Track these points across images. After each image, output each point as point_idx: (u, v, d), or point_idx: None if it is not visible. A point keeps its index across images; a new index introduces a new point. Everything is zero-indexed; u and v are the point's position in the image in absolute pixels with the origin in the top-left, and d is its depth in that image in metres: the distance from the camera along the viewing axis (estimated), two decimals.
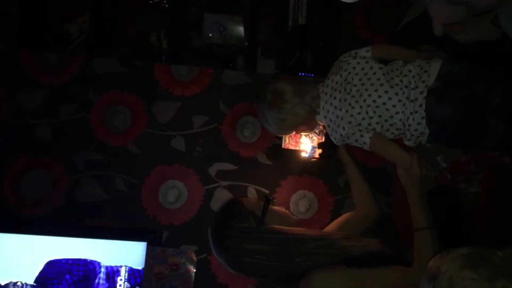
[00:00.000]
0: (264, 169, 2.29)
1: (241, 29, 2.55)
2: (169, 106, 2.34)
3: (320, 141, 1.99)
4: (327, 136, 1.79)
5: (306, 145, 2.06)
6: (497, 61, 1.76)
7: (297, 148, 2.13)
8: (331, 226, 1.76)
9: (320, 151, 2.00)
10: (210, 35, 2.58)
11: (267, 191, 2.26)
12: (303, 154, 2.07)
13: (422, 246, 1.41)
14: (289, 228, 1.50)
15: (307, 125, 1.79)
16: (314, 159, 2.04)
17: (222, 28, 2.55)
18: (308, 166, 2.23)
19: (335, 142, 1.72)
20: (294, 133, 1.95)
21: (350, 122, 1.61)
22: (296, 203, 2.27)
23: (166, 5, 2.55)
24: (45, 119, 2.29)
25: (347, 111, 1.62)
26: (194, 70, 2.38)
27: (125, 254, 2.13)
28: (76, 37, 2.44)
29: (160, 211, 2.27)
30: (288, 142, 2.14)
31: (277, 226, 1.47)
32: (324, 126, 1.90)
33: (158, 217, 2.26)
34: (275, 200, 1.62)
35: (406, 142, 1.63)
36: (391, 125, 1.59)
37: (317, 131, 2.03)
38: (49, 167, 2.27)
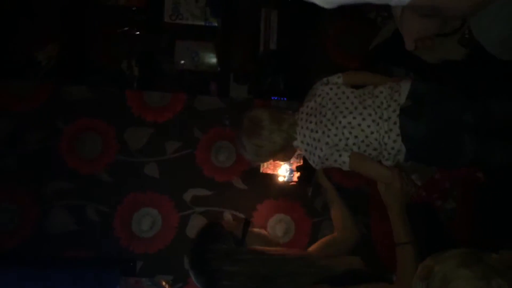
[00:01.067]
0: (240, 194, 2.26)
1: (213, 56, 2.56)
2: (141, 132, 2.31)
3: (298, 164, 1.98)
4: (305, 159, 1.79)
5: (284, 169, 2.05)
6: (465, 81, 1.81)
7: (275, 173, 2.12)
8: (311, 249, 1.74)
9: (298, 174, 2.00)
10: (182, 62, 2.57)
11: (243, 216, 2.22)
12: (281, 179, 2.06)
13: (404, 260, 1.40)
14: (269, 248, 1.47)
15: (285, 152, 1.79)
16: (292, 183, 2.03)
17: (194, 54, 2.55)
18: (285, 190, 2.22)
19: (314, 165, 1.72)
20: (271, 161, 1.94)
21: (327, 143, 1.62)
22: (273, 227, 2.23)
23: (137, 32, 2.54)
24: (13, 148, 2.22)
25: (323, 132, 1.63)
26: (167, 96, 2.36)
27: (98, 286, 2.04)
28: (45, 64, 2.39)
29: (134, 240, 2.20)
30: (266, 167, 2.13)
31: (257, 247, 1.44)
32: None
33: (132, 246, 2.19)
34: (253, 222, 1.59)
35: (385, 162, 1.64)
36: (367, 145, 1.60)
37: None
38: (17, 198, 2.18)
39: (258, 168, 2.19)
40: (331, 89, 1.70)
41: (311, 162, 1.70)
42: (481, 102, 1.60)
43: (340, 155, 1.60)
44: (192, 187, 2.27)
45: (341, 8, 0.84)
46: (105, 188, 2.24)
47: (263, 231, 1.58)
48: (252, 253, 1.41)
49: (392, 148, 1.57)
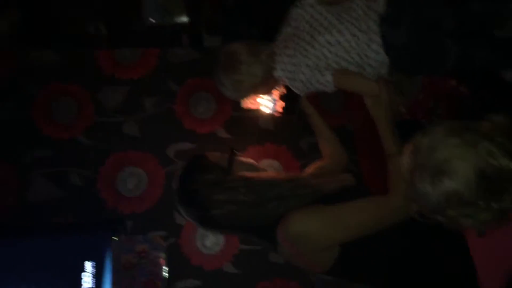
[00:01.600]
0: (224, 143, 2.22)
1: (181, 8, 2.48)
2: (116, 91, 2.24)
3: (281, 93, 1.91)
4: (288, 89, 1.73)
5: (266, 99, 1.96)
6: None
7: (257, 107, 2.04)
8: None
9: (282, 104, 1.93)
10: (151, 19, 2.49)
11: None
12: (265, 110, 1.97)
13: (396, 170, 1.37)
14: (258, 173, 1.43)
15: (266, 85, 1.72)
16: (276, 113, 1.96)
17: (162, 8, 2.47)
18: (270, 132, 2.19)
19: (298, 92, 1.66)
20: (253, 95, 1.86)
21: (307, 65, 1.57)
22: None
23: None
24: None
25: (302, 54, 1.58)
26: (138, 51, 2.29)
27: (89, 249, 1.99)
28: (7, 31, 2.29)
29: (121, 201, 2.16)
30: (247, 101, 2.05)
31: (245, 173, 1.40)
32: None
33: (120, 207, 2.15)
34: (239, 151, 1.54)
35: None
36: (349, 62, 1.55)
37: None
38: None
39: (238, 116, 2.14)
40: (305, 11, 1.64)
41: (294, 89, 1.64)
42: (461, 5, 1.55)
43: (322, 75, 1.55)
44: (175, 142, 2.22)
45: None
46: (85, 151, 2.18)
47: (249, 160, 1.53)
48: (241, 179, 1.37)
49: (376, 61, 1.52)
